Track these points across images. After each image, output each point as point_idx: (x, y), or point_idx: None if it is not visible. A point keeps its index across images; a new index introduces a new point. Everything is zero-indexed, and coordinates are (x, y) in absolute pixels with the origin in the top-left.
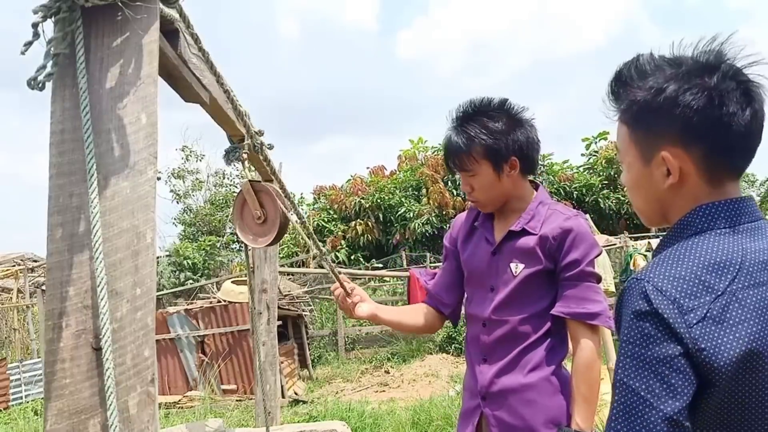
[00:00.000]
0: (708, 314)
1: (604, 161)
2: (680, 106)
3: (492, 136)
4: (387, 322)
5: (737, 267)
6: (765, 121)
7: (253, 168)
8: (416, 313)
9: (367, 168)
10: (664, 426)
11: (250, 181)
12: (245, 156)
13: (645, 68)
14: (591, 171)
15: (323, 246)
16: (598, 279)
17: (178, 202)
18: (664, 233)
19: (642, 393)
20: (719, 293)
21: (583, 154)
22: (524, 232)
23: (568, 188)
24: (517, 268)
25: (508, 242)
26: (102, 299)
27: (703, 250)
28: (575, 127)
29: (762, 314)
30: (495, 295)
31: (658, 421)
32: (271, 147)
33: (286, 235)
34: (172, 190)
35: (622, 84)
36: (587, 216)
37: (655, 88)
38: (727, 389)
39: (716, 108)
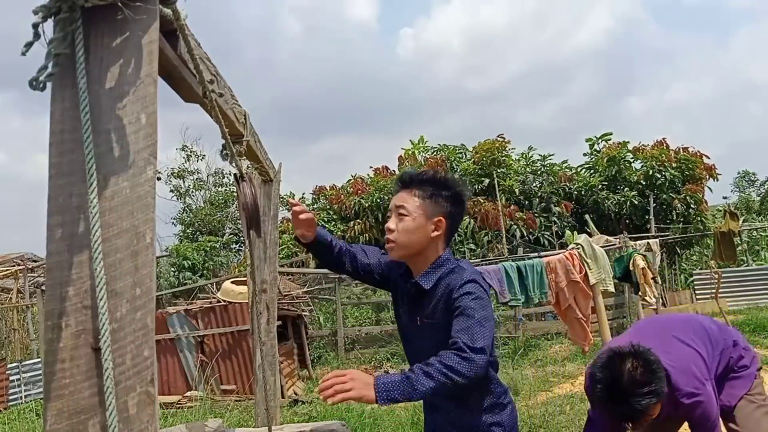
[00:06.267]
0: None
1: (605, 161)
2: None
3: None
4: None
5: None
6: None
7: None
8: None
9: (371, 167)
10: None
11: (233, 174)
12: (243, 150)
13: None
14: (592, 171)
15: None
16: None
17: (178, 199)
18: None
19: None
20: None
21: (585, 154)
22: None
23: (568, 189)
24: None
25: None
26: (101, 299)
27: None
28: (575, 126)
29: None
30: None
31: None
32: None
33: (285, 236)
34: (172, 190)
35: None
36: (587, 216)
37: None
38: None
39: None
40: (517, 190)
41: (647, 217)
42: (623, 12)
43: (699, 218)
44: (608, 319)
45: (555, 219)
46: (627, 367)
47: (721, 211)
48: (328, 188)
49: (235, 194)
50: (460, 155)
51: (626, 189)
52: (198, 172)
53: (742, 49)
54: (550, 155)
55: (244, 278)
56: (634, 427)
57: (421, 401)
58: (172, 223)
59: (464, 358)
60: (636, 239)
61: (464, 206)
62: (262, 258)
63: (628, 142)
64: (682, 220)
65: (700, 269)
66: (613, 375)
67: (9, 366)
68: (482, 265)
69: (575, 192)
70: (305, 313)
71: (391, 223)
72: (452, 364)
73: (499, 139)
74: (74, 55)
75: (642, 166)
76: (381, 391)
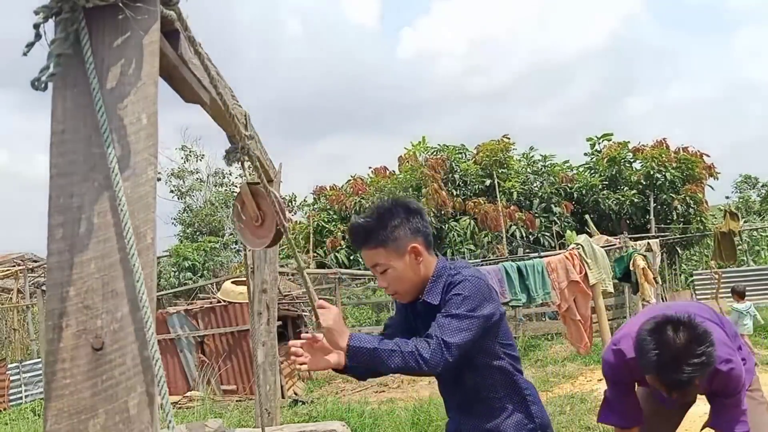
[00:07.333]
0: None
1: (606, 161)
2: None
3: None
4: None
5: None
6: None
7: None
8: None
9: (369, 168)
10: None
11: (248, 183)
12: (246, 157)
13: None
14: (592, 171)
15: (322, 248)
16: None
17: (179, 199)
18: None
19: None
20: None
21: (586, 154)
22: None
23: (568, 189)
24: None
25: None
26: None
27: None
28: (575, 126)
29: None
30: None
31: None
32: (258, 141)
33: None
34: (172, 191)
35: None
36: (587, 216)
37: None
38: None
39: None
40: (517, 191)
41: (647, 217)
42: (624, 12)
43: (699, 218)
44: (608, 320)
45: (555, 219)
46: (682, 336)
47: (721, 211)
48: (328, 188)
49: (235, 195)
50: (460, 155)
51: (626, 189)
52: (198, 172)
53: (743, 49)
54: (551, 155)
55: (244, 278)
56: (672, 397)
57: (444, 405)
58: (172, 223)
59: (434, 350)
60: (636, 239)
61: (421, 212)
62: (262, 258)
63: (629, 142)
64: (682, 220)
65: (701, 269)
66: (668, 341)
67: (9, 366)
68: (482, 265)
69: (575, 192)
70: (305, 313)
71: (381, 282)
72: (424, 353)
73: (503, 139)
74: (77, 56)
75: (642, 167)
76: (350, 357)
